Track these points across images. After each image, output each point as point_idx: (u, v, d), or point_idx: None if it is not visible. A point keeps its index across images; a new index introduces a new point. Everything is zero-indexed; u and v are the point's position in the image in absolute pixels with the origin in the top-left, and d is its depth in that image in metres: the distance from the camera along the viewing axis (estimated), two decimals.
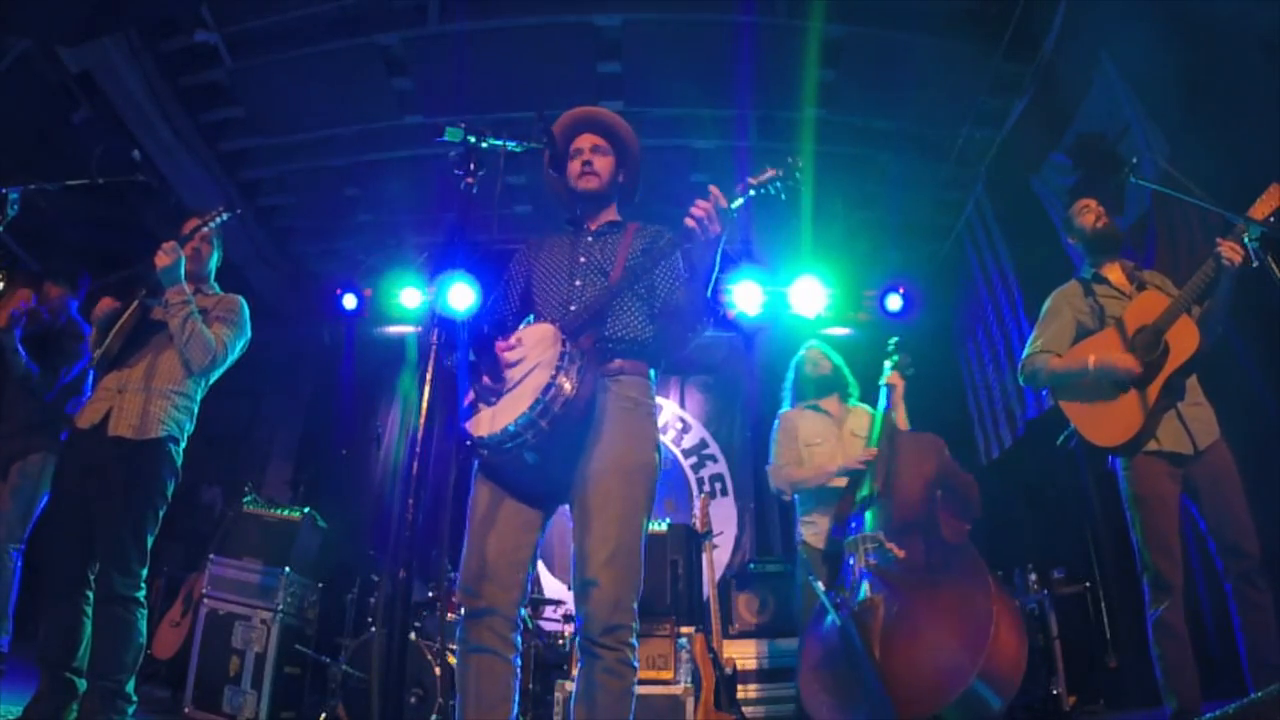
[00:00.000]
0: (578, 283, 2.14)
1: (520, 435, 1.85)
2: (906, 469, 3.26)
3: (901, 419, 3.58)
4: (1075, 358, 2.87)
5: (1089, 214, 3.06)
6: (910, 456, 3.30)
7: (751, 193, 2.03)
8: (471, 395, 1.97)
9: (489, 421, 1.88)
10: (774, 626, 4.59)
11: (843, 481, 3.44)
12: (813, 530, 3.55)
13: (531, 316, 2.22)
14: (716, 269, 2.02)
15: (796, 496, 3.66)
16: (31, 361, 3.57)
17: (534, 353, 1.97)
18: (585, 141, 2.27)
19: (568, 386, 1.86)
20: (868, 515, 3.18)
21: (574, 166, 2.24)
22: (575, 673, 1.96)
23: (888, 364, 3.64)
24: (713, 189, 1.93)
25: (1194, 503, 2.70)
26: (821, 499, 3.53)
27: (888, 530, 3.08)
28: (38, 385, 3.57)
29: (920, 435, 3.42)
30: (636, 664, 1.89)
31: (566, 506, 2.03)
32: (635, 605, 1.89)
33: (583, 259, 2.19)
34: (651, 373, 2.14)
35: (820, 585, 3.11)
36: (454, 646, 1.98)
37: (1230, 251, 2.56)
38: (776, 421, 3.78)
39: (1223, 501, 2.63)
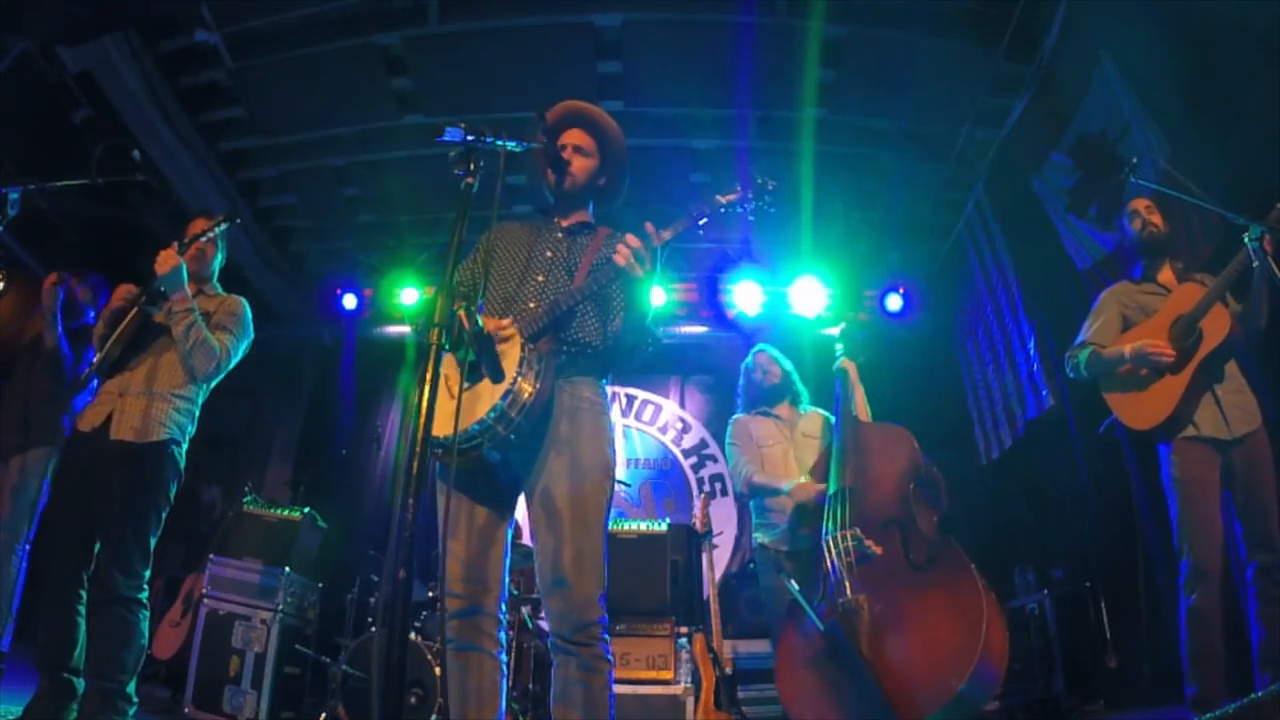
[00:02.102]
0: (539, 278, 2.12)
1: (478, 439, 1.86)
2: (877, 463, 3.15)
3: (862, 407, 3.49)
4: (1115, 347, 2.96)
5: (1136, 220, 3.14)
6: (879, 449, 3.19)
7: (721, 211, 2.02)
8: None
9: (447, 422, 1.79)
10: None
11: (783, 510, 3.39)
12: (771, 534, 3.49)
13: (482, 302, 2.18)
14: (649, 305, 2.02)
15: (753, 502, 3.62)
16: (65, 338, 3.57)
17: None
18: (570, 138, 2.23)
19: (527, 390, 1.86)
20: (840, 512, 3.06)
21: (550, 166, 2.21)
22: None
23: (837, 349, 3.61)
24: (648, 226, 1.92)
25: (1229, 489, 2.72)
26: (776, 506, 3.47)
27: (863, 526, 2.98)
28: (66, 364, 3.57)
29: (887, 427, 3.33)
30: (611, 658, 1.90)
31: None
32: (603, 600, 1.91)
33: (549, 254, 2.16)
34: (603, 375, 2.14)
35: (795, 584, 2.99)
36: None
37: (1262, 241, 2.60)
38: (729, 427, 3.76)
39: (1255, 490, 2.66)
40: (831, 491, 3.13)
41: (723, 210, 2.02)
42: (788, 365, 3.81)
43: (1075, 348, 3.10)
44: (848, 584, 2.86)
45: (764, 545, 3.49)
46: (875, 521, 2.98)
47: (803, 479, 3.36)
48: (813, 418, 3.70)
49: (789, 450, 3.56)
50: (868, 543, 2.91)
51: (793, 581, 3.00)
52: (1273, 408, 3.14)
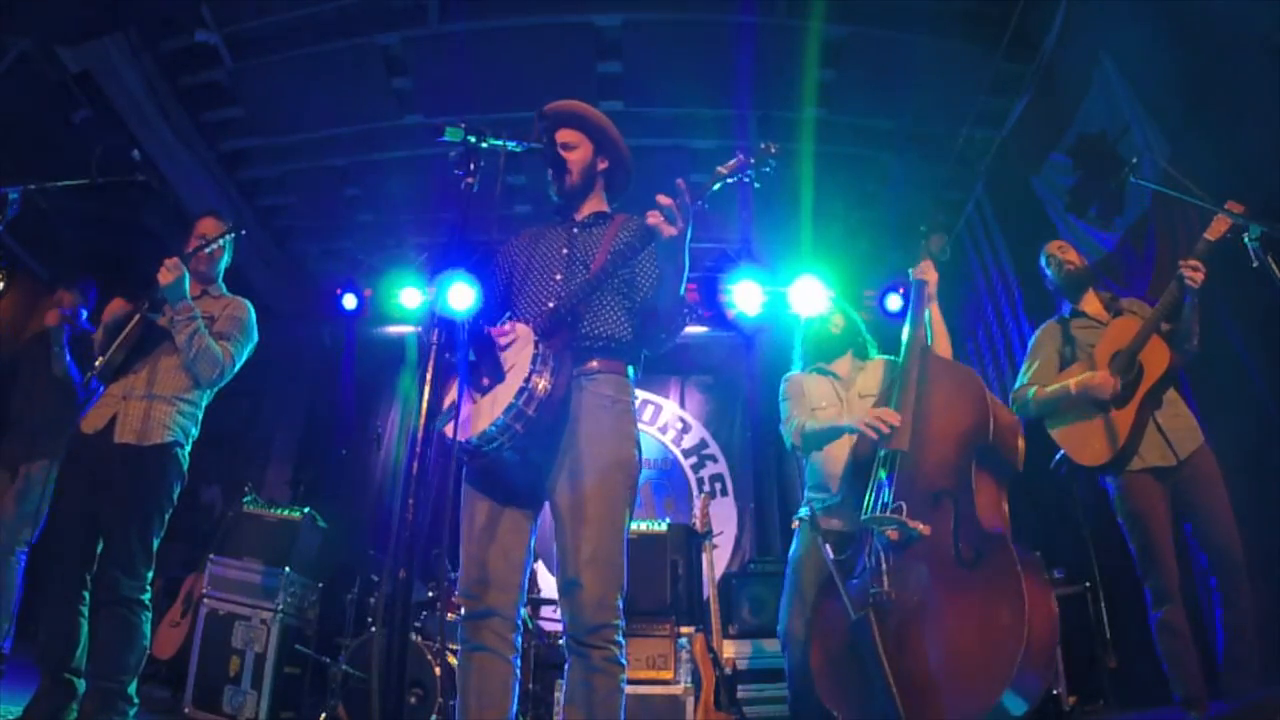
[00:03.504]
0: (559, 277, 2.11)
1: (496, 439, 1.86)
2: (941, 412, 2.57)
3: (940, 334, 2.90)
4: (1058, 384, 3.03)
5: (1052, 262, 3.28)
6: (946, 395, 2.60)
7: (727, 180, 1.97)
8: (451, 398, 1.95)
9: (468, 425, 1.87)
10: (774, 626, 4.59)
11: (843, 450, 2.94)
12: (820, 504, 3.08)
13: (509, 312, 2.18)
14: (686, 267, 1.97)
15: (805, 464, 3.20)
16: (74, 364, 3.60)
17: (511, 354, 1.96)
18: (559, 138, 2.23)
19: (541, 387, 1.86)
20: (887, 480, 2.59)
21: (550, 170, 2.22)
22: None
23: (924, 243, 3.01)
24: (680, 183, 1.85)
25: (1180, 509, 2.81)
26: (830, 468, 3.07)
27: (911, 498, 2.48)
28: (77, 388, 3.60)
29: (955, 367, 2.74)
30: (624, 661, 1.89)
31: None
32: (620, 603, 1.89)
33: (566, 251, 2.17)
34: (630, 370, 2.11)
35: (829, 550, 2.61)
36: (454, 646, 1.99)
37: (1192, 273, 2.72)
38: (783, 384, 3.31)
39: (1208, 506, 2.75)
40: (883, 454, 2.66)
41: (729, 180, 1.97)
42: (854, 316, 3.36)
43: (1018, 389, 3.17)
44: (885, 573, 2.45)
45: (808, 518, 3.01)
46: (925, 493, 2.49)
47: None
48: (873, 370, 3.23)
49: (840, 415, 3.09)
50: (913, 524, 2.45)
51: (828, 548, 2.63)
52: (1273, 407, 3.15)
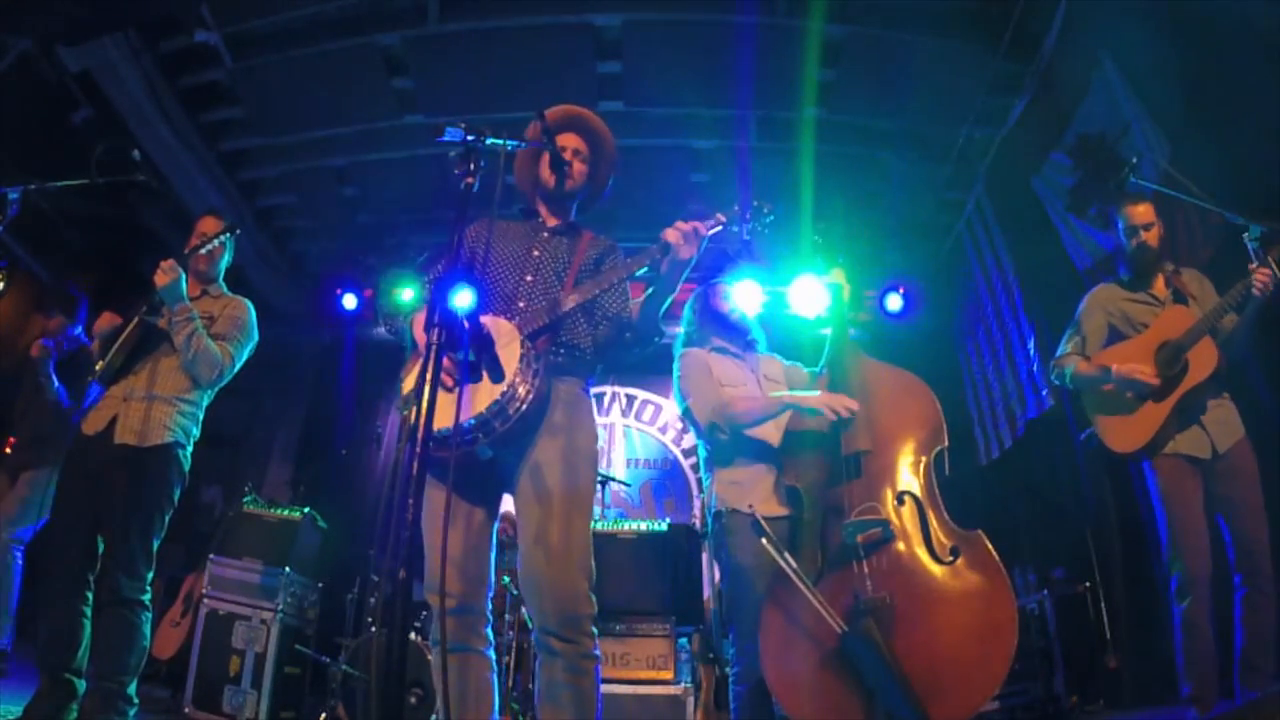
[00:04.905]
0: (528, 278, 2.13)
1: (472, 434, 1.85)
2: (895, 415, 2.62)
3: None
4: (1100, 363, 2.95)
5: (1143, 229, 3.00)
6: (896, 398, 2.66)
7: (713, 229, 2.07)
8: (409, 383, 1.96)
9: (442, 415, 1.73)
10: None
11: (775, 431, 2.78)
12: (739, 489, 2.77)
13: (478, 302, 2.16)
14: (675, 291, 2.06)
15: (709, 446, 2.92)
16: (62, 387, 3.62)
17: (498, 349, 1.94)
18: (567, 141, 2.27)
19: (523, 390, 1.87)
20: (851, 481, 2.53)
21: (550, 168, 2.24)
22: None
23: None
24: (695, 224, 2.00)
25: (1213, 502, 2.75)
26: (745, 449, 2.81)
27: (879, 498, 2.48)
28: (68, 411, 3.62)
29: (900, 372, 2.77)
30: (598, 653, 1.89)
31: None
32: (592, 594, 1.89)
33: (536, 253, 2.19)
34: (588, 377, 2.20)
35: (789, 558, 2.41)
36: None
37: (1264, 279, 2.62)
38: (678, 362, 3.04)
39: (1240, 502, 2.69)
40: (844, 458, 2.59)
41: (714, 229, 2.08)
42: (746, 304, 3.27)
43: (1060, 358, 3.09)
44: (868, 577, 2.35)
45: (730, 510, 2.75)
46: (890, 493, 2.50)
47: (815, 392, 2.68)
48: (771, 361, 3.13)
49: (758, 396, 2.94)
50: (893, 523, 2.42)
51: (787, 555, 2.42)
52: (1273, 407, 3.15)
